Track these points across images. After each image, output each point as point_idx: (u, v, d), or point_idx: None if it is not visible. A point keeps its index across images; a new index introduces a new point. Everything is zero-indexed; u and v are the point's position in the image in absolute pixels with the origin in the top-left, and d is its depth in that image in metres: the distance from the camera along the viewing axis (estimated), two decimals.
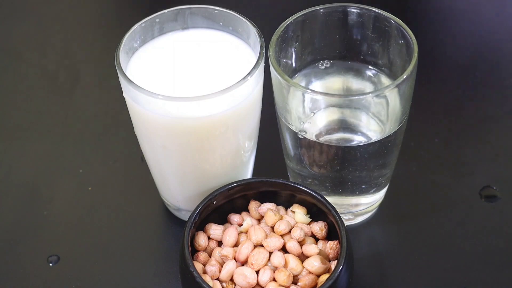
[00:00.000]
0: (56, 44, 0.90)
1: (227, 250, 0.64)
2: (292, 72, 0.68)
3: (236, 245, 0.64)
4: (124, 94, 0.65)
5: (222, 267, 0.63)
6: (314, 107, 0.65)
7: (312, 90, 0.63)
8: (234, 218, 0.66)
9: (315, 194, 0.65)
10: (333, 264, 0.63)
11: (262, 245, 0.63)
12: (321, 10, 0.67)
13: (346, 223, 0.70)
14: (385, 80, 0.68)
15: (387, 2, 0.78)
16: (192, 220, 0.63)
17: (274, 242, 0.63)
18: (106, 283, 0.68)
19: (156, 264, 0.69)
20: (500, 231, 0.70)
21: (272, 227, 0.65)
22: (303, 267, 0.63)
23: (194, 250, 0.65)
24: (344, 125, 0.66)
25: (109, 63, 0.74)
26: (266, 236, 0.64)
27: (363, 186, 0.68)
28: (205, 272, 0.63)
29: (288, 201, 0.67)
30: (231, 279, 0.62)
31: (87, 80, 0.86)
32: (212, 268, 0.63)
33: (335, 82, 0.69)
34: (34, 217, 0.73)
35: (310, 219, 0.66)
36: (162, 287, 0.68)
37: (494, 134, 0.78)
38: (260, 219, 0.67)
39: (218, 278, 0.63)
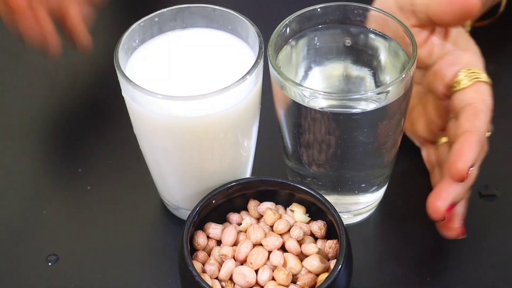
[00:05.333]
0: None
1: (226, 249, 0.64)
2: (291, 70, 0.68)
3: (235, 244, 0.64)
4: (123, 93, 0.65)
5: (221, 266, 0.63)
6: (313, 103, 0.65)
7: (311, 89, 0.63)
8: (233, 217, 0.66)
9: (314, 193, 0.65)
10: (332, 263, 0.63)
11: (261, 244, 0.63)
12: (320, 9, 0.67)
13: (345, 222, 0.70)
14: (383, 78, 0.68)
15: None
16: (191, 219, 0.63)
17: (273, 241, 0.63)
18: (105, 282, 0.68)
19: (155, 263, 0.69)
20: (500, 231, 0.71)
21: (271, 226, 0.65)
22: (302, 266, 0.63)
23: (193, 249, 0.65)
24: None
25: (108, 62, 0.74)
26: (265, 235, 0.64)
27: (362, 185, 0.68)
28: (204, 272, 0.63)
29: (287, 200, 0.67)
30: (230, 278, 0.62)
31: (86, 79, 0.86)
32: (211, 267, 0.63)
33: (335, 69, 0.69)
34: (34, 216, 0.73)
35: (309, 218, 0.66)
36: (161, 287, 0.68)
37: (493, 134, 0.78)
38: (259, 218, 0.67)
39: (217, 277, 0.63)
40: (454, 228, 0.65)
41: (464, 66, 0.66)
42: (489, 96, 0.66)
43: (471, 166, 0.63)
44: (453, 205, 0.64)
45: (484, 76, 0.66)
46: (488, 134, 0.67)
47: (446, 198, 0.63)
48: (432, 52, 0.67)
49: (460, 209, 0.66)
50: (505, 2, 0.79)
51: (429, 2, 0.66)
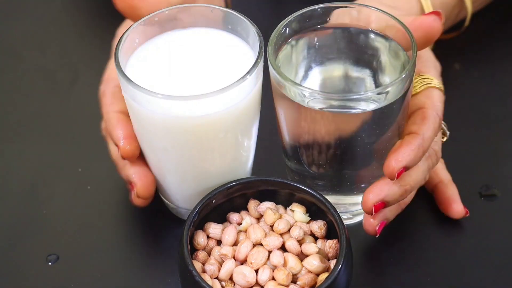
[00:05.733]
0: (55, 43, 0.90)
1: (226, 249, 0.64)
2: (291, 70, 0.68)
3: (235, 244, 0.64)
4: (123, 93, 0.65)
5: (221, 266, 0.63)
6: (313, 103, 0.65)
7: (311, 89, 0.63)
8: (233, 217, 0.66)
9: (314, 193, 0.65)
10: (332, 263, 0.63)
11: (261, 244, 0.63)
12: (320, 9, 0.67)
13: (345, 222, 0.70)
14: (383, 78, 0.68)
15: None
16: (191, 219, 0.63)
17: (273, 241, 0.63)
18: (105, 282, 0.68)
19: (155, 263, 0.69)
20: (500, 230, 0.71)
21: (271, 226, 0.65)
22: (302, 266, 0.63)
23: (193, 249, 0.65)
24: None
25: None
26: (265, 235, 0.64)
27: (362, 185, 0.68)
28: (204, 271, 0.63)
29: (288, 200, 0.67)
30: (230, 278, 0.62)
31: (86, 79, 0.86)
32: (211, 267, 0.63)
33: (335, 69, 0.69)
34: (33, 216, 0.73)
35: (309, 218, 0.66)
36: (161, 287, 0.68)
37: (493, 134, 0.78)
38: (259, 218, 0.67)
39: (217, 277, 0.63)
40: (373, 225, 0.66)
41: (416, 72, 0.67)
42: (440, 102, 0.67)
43: (405, 167, 0.63)
44: (383, 203, 0.65)
45: (436, 82, 0.67)
46: (443, 139, 0.68)
47: (377, 194, 0.64)
48: None
49: (387, 211, 0.67)
50: (470, 17, 0.80)
51: None
